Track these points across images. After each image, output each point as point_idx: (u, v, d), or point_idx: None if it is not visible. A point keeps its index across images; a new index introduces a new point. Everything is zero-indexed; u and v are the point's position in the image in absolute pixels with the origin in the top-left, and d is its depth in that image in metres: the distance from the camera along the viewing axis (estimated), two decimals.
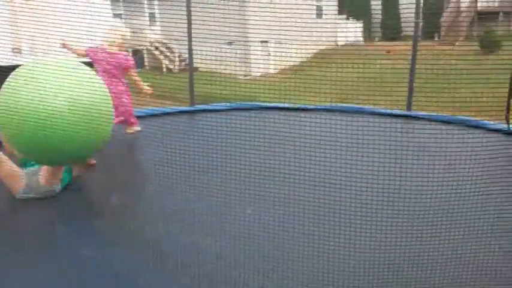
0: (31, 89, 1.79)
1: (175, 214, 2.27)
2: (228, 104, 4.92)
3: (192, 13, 4.70)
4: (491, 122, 4.00)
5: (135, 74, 3.63)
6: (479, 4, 17.09)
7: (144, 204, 2.45)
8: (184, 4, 4.63)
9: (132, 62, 3.61)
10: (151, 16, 15.42)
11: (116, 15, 14.06)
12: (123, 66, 3.47)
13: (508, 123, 3.73)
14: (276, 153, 2.46)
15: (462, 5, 17.81)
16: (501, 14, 15.96)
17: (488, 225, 1.93)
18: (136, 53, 15.18)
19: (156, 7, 14.93)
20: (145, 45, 14.82)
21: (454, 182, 2.05)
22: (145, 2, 15.34)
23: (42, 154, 1.90)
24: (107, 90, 2.29)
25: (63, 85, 1.86)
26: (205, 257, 1.86)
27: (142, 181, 2.73)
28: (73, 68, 2.00)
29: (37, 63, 2.04)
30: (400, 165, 2.04)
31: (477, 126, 3.96)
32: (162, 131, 2.61)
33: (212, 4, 4.75)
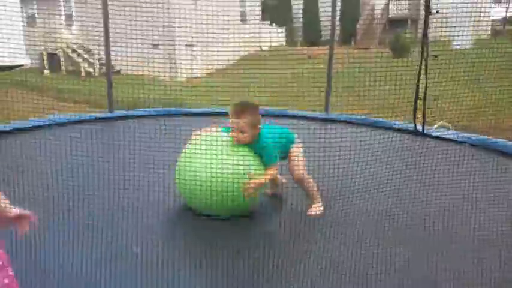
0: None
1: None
2: (150, 109, 4.75)
3: (112, 14, 4.51)
4: (402, 123, 4.30)
5: None
6: (390, 12, 18.52)
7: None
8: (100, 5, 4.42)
9: None
10: (68, 16, 14.57)
11: (29, 16, 13.10)
12: None
13: (415, 123, 4.04)
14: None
15: (375, 12, 19.18)
16: (409, 21, 17.44)
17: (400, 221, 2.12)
18: (52, 56, 14.23)
19: (73, 7, 14.15)
20: (62, 47, 13.94)
21: (366, 180, 2.20)
22: (62, 1, 14.48)
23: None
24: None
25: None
26: None
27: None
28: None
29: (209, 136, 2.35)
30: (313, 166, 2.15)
31: (388, 127, 4.24)
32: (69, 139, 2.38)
33: (135, 6, 4.63)
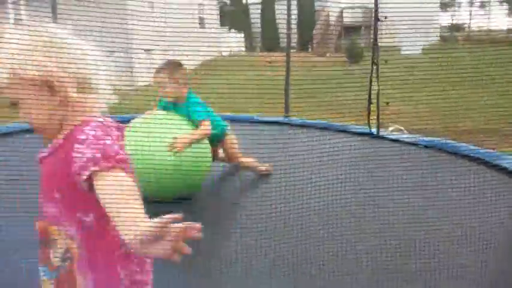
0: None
1: None
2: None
3: (63, 19, 4.38)
4: (357, 126, 4.44)
5: None
6: (345, 19, 19.07)
7: None
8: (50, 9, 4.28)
9: None
10: (18, 20, 13.95)
11: None
12: None
13: (369, 126, 4.18)
14: None
15: (331, 19, 19.69)
16: (363, 28, 18.04)
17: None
18: None
19: (22, 11, 13.57)
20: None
21: (319, 182, 2.26)
22: (10, 5, 13.85)
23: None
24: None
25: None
26: None
27: None
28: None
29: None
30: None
31: (344, 130, 4.37)
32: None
33: (87, 10, 4.50)
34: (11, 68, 0.82)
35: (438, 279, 1.71)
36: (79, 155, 0.80)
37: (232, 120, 4.73)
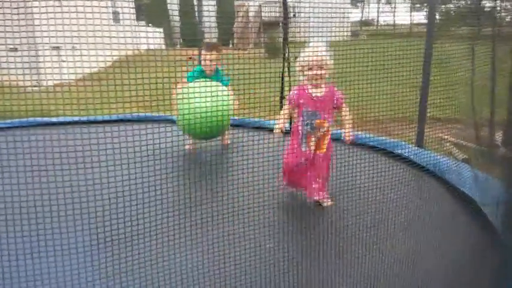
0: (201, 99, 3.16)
1: None
2: (13, 120, 4.35)
3: None
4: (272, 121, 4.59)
5: None
6: (263, 15, 19.39)
7: None
8: None
9: None
10: None
11: None
12: None
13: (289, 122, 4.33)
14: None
15: (250, 14, 19.93)
16: (281, 24, 18.48)
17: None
18: None
19: None
20: None
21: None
22: None
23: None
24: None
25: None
26: None
27: None
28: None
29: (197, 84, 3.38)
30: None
31: (264, 127, 4.51)
32: None
33: None
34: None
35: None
36: (338, 95, 2.95)
37: (149, 120, 4.62)
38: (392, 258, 2.10)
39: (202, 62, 3.79)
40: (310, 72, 2.79)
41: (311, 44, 2.94)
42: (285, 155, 3.03)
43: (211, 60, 3.73)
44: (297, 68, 2.94)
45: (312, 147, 2.94)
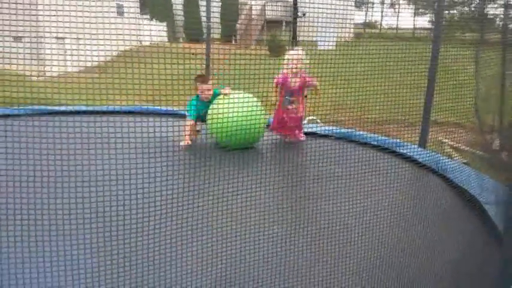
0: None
1: None
2: (21, 108, 4.38)
3: None
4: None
5: None
6: (267, 13, 19.40)
7: None
8: None
9: None
10: None
11: None
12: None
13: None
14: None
15: (253, 12, 19.92)
16: (284, 23, 18.49)
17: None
18: None
19: None
20: None
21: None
22: None
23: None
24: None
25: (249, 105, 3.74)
26: None
27: None
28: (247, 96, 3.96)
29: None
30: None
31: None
32: None
33: None
34: None
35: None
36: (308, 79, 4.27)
37: (151, 113, 4.62)
38: (385, 254, 2.12)
39: (201, 94, 4.28)
40: (291, 65, 4.28)
41: (293, 51, 4.35)
42: (273, 115, 4.53)
43: (208, 90, 4.22)
44: (284, 61, 4.43)
45: (291, 109, 4.50)
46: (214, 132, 3.92)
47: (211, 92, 4.25)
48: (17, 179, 1.94)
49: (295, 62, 4.23)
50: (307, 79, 4.39)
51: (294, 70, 4.23)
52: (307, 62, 4.28)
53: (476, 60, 3.44)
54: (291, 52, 4.36)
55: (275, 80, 4.35)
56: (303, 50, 4.29)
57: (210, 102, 4.23)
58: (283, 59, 4.45)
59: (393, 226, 2.31)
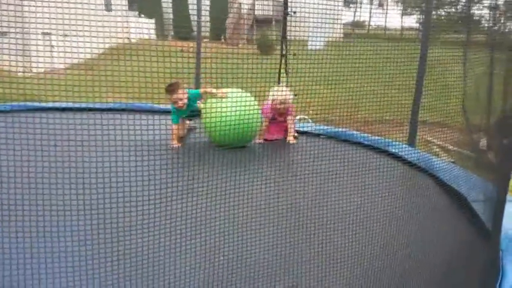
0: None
1: None
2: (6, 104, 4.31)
3: None
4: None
5: None
6: (256, 12, 19.34)
7: None
8: None
9: None
10: None
11: None
12: None
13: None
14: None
15: (243, 11, 19.83)
16: (274, 21, 18.47)
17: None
18: None
19: None
20: None
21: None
22: None
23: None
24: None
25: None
26: None
27: None
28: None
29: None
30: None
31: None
32: None
33: None
34: None
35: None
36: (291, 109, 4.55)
37: (141, 110, 4.59)
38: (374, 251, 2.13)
39: (175, 104, 4.20)
40: (278, 106, 4.39)
41: (276, 88, 4.39)
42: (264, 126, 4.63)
43: (181, 99, 4.15)
44: (270, 98, 4.40)
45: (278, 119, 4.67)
46: (208, 131, 3.92)
47: (185, 99, 4.15)
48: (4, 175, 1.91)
49: (280, 100, 4.24)
50: (290, 109, 4.49)
51: (280, 107, 4.28)
52: (293, 97, 4.26)
53: (464, 61, 3.48)
54: (276, 89, 4.33)
55: (262, 111, 4.35)
56: (287, 86, 4.29)
57: (189, 105, 4.20)
58: (268, 95, 4.45)
59: (385, 224, 2.32)
